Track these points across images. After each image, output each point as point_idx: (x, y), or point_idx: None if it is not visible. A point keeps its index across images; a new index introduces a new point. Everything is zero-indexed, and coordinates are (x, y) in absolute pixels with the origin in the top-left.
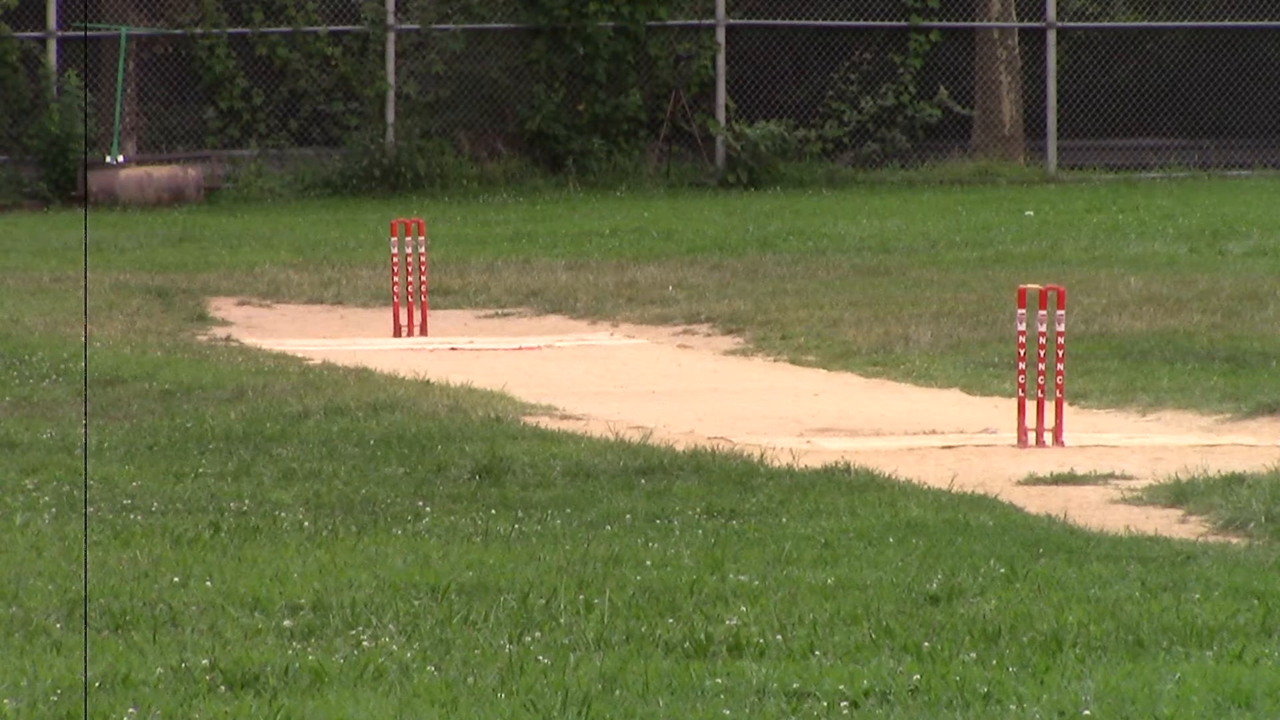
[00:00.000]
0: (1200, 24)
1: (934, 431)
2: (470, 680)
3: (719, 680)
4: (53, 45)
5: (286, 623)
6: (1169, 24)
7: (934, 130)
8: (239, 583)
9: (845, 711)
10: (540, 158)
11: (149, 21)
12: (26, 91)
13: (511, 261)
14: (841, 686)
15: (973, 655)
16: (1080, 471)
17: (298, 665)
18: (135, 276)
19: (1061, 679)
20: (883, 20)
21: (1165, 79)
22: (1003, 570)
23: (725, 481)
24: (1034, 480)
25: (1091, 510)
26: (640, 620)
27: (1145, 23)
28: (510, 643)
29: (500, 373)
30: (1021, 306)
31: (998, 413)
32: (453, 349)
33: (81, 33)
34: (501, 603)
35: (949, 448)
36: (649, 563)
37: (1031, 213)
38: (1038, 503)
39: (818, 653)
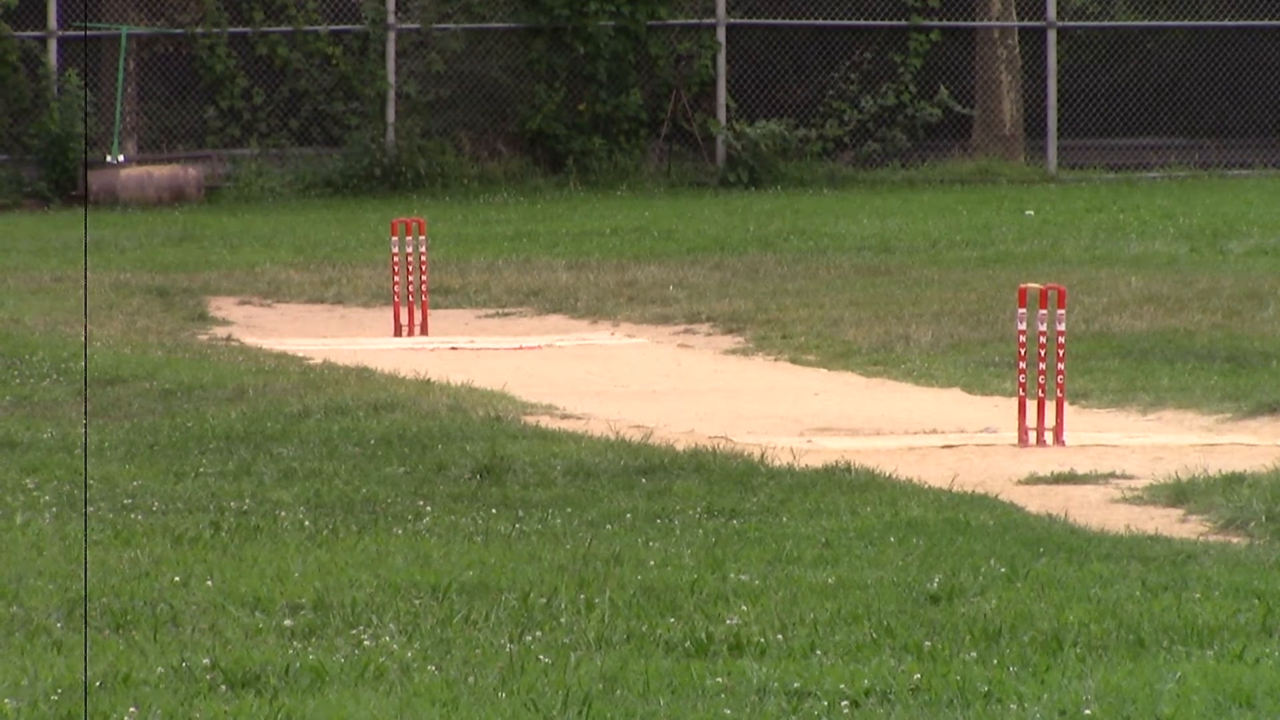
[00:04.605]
0: (1200, 24)
1: (934, 431)
2: (471, 680)
3: (720, 680)
4: (53, 45)
5: (287, 622)
6: (1169, 24)
7: (934, 130)
8: (239, 582)
9: (846, 711)
10: (541, 157)
11: (149, 21)
12: (27, 91)
13: (512, 261)
14: (842, 686)
15: (973, 654)
16: (1081, 471)
17: (298, 665)
18: (135, 276)
19: (1062, 678)
20: (883, 20)
21: (1165, 79)
22: (1003, 570)
23: (726, 481)
24: (1034, 480)
25: (1092, 510)
26: (641, 620)
27: (1145, 22)
28: (511, 642)
29: (501, 372)
30: (1022, 306)
31: (998, 412)
32: (453, 348)
33: (82, 32)
34: (502, 602)
35: (949, 447)
36: (650, 562)
37: (1032, 212)
38: (1038, 502)
39: (818, 652)
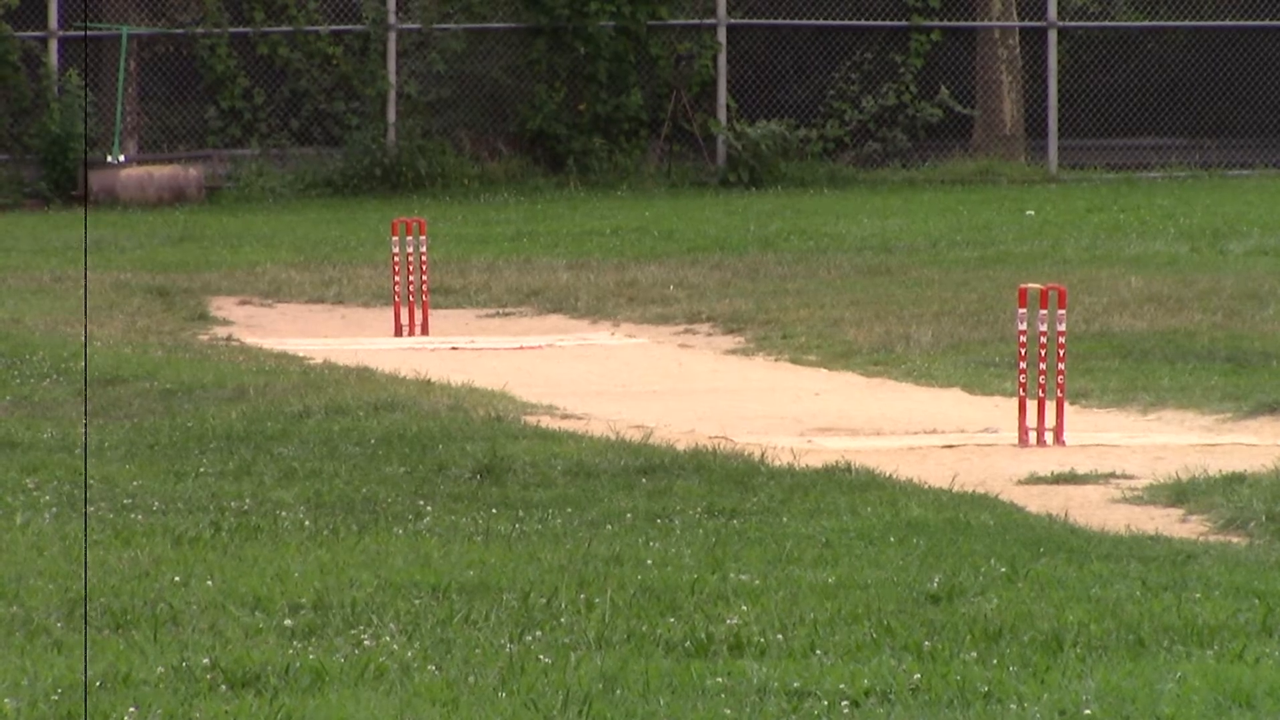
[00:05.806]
0: (1200, 24)
1: (935, 431)
2: (471, 680)
3: (720, 679)
4: (54, 45)
5: (287, 622)
6: (1170, 24)
7: (935, 130)
8: (240, 582)
9: (846, 711)
10: (541, 157)
11: (150, 21)
12: (27, 91)
13: (512, 261)
14: (842, 686)
15: (973, 654)
16: (1081, 471)
17: (299, 664)
18: (136, 276)
19: (1062, 678)
20: (884, 20)
21: (1166, 79)
22: (1003, 569)
23: (726, 481)
24: (1035, 480)
25: (1092, 509)
26: (641, 619)
27: (1146, 22)
28: (511, 642)
29: (501, 372)
30: (1022, 306)
31: (998, 412)
32: (454, 348)
33: (82, 32)
34: (502, 602)
35: (950, 447)
36: (650, 562)
37: (1032, 212)
38: (1038, 502)
39: (819, 652)
